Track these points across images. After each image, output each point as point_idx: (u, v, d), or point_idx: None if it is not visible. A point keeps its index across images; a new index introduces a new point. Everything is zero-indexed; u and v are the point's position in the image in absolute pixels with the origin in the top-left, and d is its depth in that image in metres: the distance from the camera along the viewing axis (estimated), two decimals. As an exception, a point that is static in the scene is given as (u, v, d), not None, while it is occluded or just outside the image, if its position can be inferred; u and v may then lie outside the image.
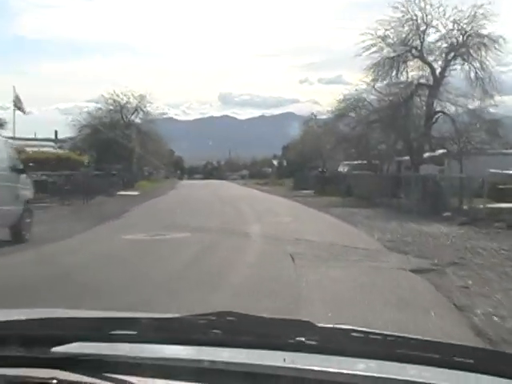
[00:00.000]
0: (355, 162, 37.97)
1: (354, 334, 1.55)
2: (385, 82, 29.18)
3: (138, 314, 2.16)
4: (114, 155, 42.18)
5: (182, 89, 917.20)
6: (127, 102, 48.81)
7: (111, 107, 48.41)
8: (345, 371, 1.37)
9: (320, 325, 1.63)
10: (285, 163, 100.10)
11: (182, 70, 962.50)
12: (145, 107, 49.54)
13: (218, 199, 30.82)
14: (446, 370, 1.40)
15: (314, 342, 1.49)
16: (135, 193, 37.82)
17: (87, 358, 1.46)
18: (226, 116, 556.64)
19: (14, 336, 1.56)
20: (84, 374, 1.40)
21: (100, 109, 47.80)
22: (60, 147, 44.79)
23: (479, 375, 1.39)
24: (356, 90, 31.20)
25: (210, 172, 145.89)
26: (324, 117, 45.02)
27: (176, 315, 1.82)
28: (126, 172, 44.59)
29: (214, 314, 1.67)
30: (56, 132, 48.85)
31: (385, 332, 1.62)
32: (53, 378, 1.35)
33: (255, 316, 1.72)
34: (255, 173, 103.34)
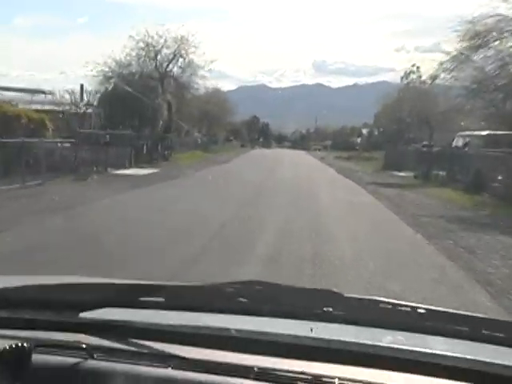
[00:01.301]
0: (484, 133, 23.16)
1: (382, 305, 1.51)
2: None
3: (165, 282, 2.01)
4: (134, 115, 29.63)
5: (276, 56, 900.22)
6: (163, 47, 35.67)
7: (143, 52, 35.50)
8: (372, 342, 1.33)
9: (348, 295, 1.54)
10: (376, 132, 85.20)
11: (277, 38, 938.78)
12: (186, 54, 36.25)
13: (258, 190, 17.92)
14: (476, 344, 1.36)
15: (341, 313, 1.46)
16: (150, 171, 25.17)
17: (115, 323, 1.43)
18: (319, 84, 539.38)
19: (44, 300, 1.53)
20: (112, 340, 1.39)
21: (129, 55, 35.07)
22: (87, 105, 32.59)
23: (510, 349, 1.34)
24: None
25: (296, 141, 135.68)
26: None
27: (204, 283, 1.68)
28: (154, 138, 31.97)
29: (242, 283, 1.60)
30: (82, 86, 35.86)
31: (413, 304, 1.50)
32: (81, 343, 1.34)
33: (283, 285, 1.64)
34: (340, 143, 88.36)
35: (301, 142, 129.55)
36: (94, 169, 21.23)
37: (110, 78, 34.22)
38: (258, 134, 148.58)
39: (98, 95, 32.69)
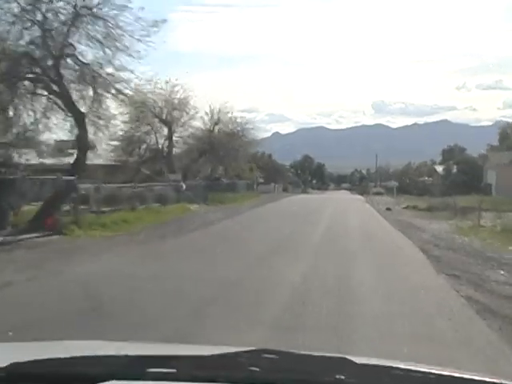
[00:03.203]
0: None
1: (394, 372, 1.44)
2: None
3: (173, 347, 1.99)
4: None
5: (334, 98, 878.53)
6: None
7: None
8: None
9: (360, 361, 1.48)
10: (455, 169, 62.96)
11: (335, 79, 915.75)
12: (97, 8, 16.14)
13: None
14: None
15: (353, 380, 1.39)
16: None
17: None
18: (379, 124, 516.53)
19: (52, 374, 1.45)
20: None
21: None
22: None
23: None
24: None
25: (355, 181, 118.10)
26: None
27: (215, 352, 1.56)
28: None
29: (253, 352, 1.54)
30: None
31: (425, 369, 1.45)
32: None
33: (294, 353, 1.59)
34: (408, 184, 65.93)
35: (363, 182, 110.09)
36: None
37: None
38: (312, 175, 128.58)
39: None
